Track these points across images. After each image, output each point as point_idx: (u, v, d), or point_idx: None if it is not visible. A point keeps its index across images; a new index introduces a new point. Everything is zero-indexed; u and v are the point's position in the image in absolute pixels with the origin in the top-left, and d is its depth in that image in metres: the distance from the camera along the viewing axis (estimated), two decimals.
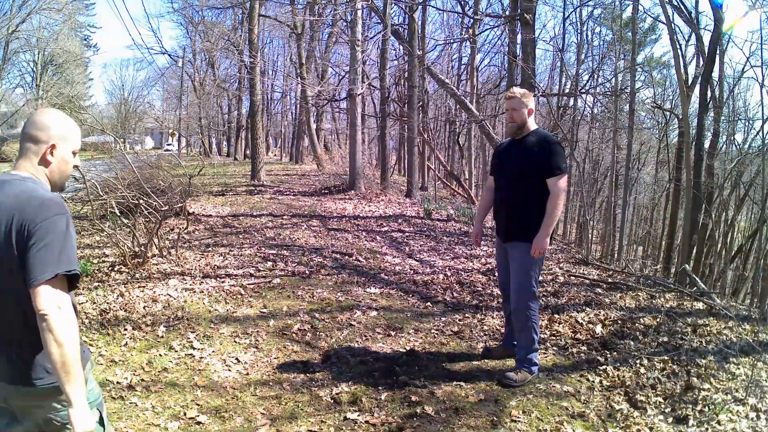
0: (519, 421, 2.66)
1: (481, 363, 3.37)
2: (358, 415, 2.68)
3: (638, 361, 3.29)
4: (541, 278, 5.58)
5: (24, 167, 1.47)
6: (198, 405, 2.77)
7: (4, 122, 28.89)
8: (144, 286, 4.62)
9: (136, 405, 2.75)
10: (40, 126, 1.48)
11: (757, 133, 12.90)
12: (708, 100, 10.35)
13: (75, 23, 31.86)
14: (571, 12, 15.03)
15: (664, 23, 11.79)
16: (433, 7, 16.61)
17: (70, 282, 1.38)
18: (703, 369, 3.18)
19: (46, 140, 1.47)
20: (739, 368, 3.20)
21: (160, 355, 3.36)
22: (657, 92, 17.87)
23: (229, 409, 2.73)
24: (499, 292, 5.00)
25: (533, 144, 3.04)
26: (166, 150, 30.34)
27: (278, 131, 37.27)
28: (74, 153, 1.55)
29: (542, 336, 3.83)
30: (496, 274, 5.64)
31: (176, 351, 3.42)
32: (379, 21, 13.96)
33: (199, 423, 2.61)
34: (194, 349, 3.46)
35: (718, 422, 2.60)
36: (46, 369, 1.41)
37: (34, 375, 1.42)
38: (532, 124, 3.12)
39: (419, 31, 13.32)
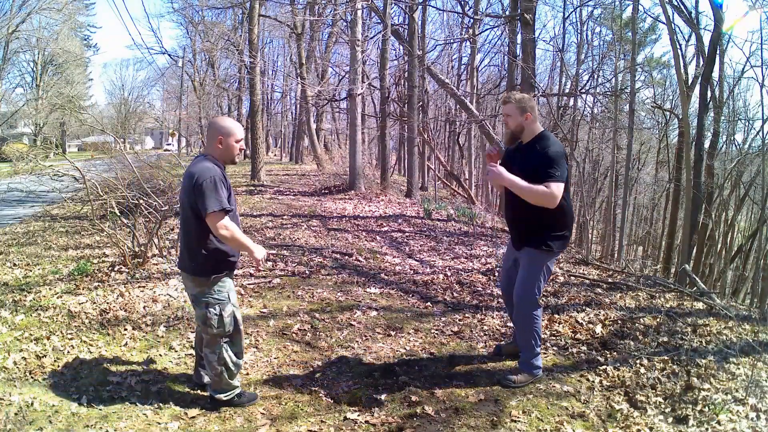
0: (519, 421, 2.66)
1: (481, 363, 3.37)
2: (358, 415, 2.68)
3: (638, 361, 3.29)
4: None
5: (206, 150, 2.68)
6: (198, 405, 2.77)
7: (4, 122, 28.86)
8: (144, 286, 4.62)
9: (136, 405, 2.75)
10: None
11: (757, 133, 12.94)
12: (708, 100, 10.36)
13: (75, 23, 31.89)
14: (571, 12, 15.06)
15: (664, 23, 11.81)
16: (433, 7, 16.64)
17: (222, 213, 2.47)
18: (703, 369, 3.18)
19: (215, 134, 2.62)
20: (739, 368, 3.20)
21: (160, 355, 3.36)
22: (657, 92, 17.90)
23: (229, 409, 2.73)
24: (499, 292, 5.01)
25: (535, 149, 2.90)
26: (166, 150, 30.36)
27: (278, 131, 37.28)
28: (237, 141, 2.63)
29: (542, 336, 3.83)
30: (496, 274, 5.66)
31: (176, 351, 3.42)
32: (379, 21, 13.96)
33: (199, 423, 2.61)
34: (194, 349, 3.45)
35: (718, 422, 2.60)
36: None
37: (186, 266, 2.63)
38: (535, 129, 2.97)
39: (419, 31, 13.32)
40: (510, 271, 3.19)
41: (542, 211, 2.85)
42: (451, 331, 3.94)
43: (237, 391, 2.76)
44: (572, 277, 5.63)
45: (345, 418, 2.66)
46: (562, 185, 2.80)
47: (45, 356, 3.25)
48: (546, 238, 2.92)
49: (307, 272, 5.40)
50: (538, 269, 2.96)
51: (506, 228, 10.13)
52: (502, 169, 2.86)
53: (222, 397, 2.72)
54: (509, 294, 3.19)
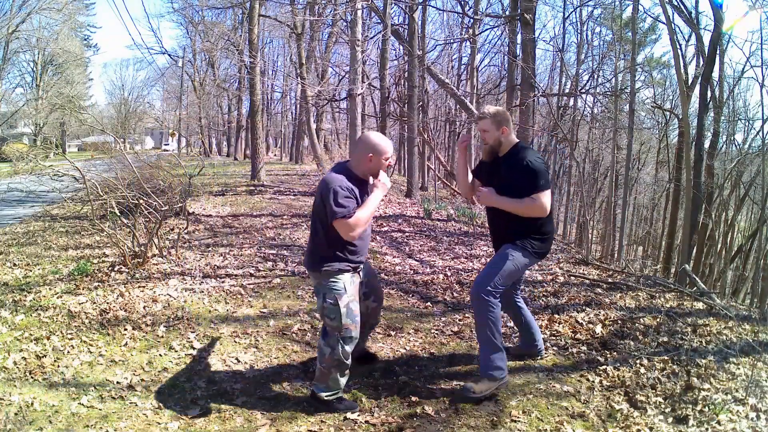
0: (519, 421, 2.66)
1: None
2: (358, 415, 2.68)
3: (638, 361, 3.29)
4: (540, 278, 5.61)
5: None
6: (198, 405, 2.77)
7: (4, 122, 28.86)
8: (144, 286, 4.62)
9: (136, 405, 2.75)
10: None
11: (757, 133, 12.94)
12: (708, 100, 10.36)
13: (75, 23, 31.89)
14: (571, 12, 15.08)
15: (664, 23, 11.81)
16: (433, 7, 16.65)
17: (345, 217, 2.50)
18: (703, 369, 3.18)
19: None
20: (739, 368, 3.20)
21: (160, 355, 3.36)
22: (657, 92, 17.90)
23: (229, 409, 2.73)
24: None
25: (515, 161, 2.85)
26: (164, 150, 30.35)
27: (278, 131, 37.29)
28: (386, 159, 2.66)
29: (542, 336, 3.83)
30: None
31: (176, 351, 3.42)
32: (379, 21, 13.97)
33: (199, 423, 2.61)
34: (194, 349, 3.46)
35: (718, 422, 2.60)
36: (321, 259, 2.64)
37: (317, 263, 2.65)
38: (511, 141, 2.95)
39: (419, 31, 13.33)
40: None
41: (518, 221, 2.86)
42: (451, 331, 3.95)
43: (340, 393, 2.74)
44: (572, 277, 5.63)
45: (345, 418, 2.66)
46: (549, 193, 2.82)
47: (45, 356, 3.25)
48: (525, 237, 2.89)
49: (307, 272, 5.39)
50: (508, 260, 2.84)
51: None
52: (491, 191, 2.88)
53: (323, 395, 2.69)
54: (507, 297, 3.15)
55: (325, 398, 2.69)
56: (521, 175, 2.79)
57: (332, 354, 2.61)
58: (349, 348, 2.63)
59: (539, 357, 3.40)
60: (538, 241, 2.92)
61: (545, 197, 2.79)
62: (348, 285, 2.63)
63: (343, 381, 2.70)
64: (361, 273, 2.78)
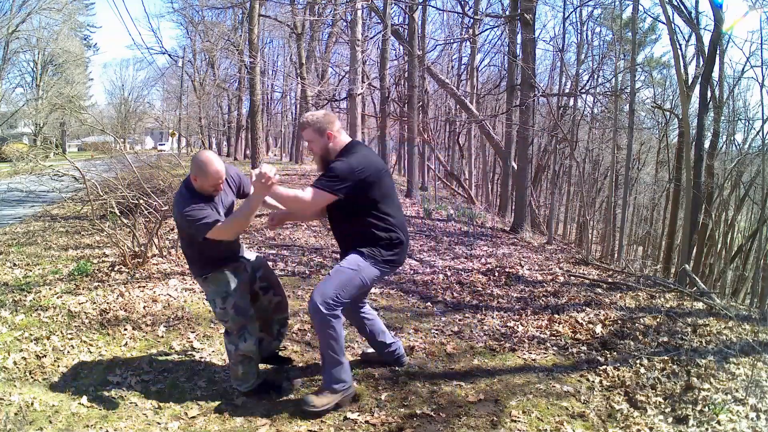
0: (519, 421, 2.66)
1: (481, 363, 3.37)
2: (358, 415, 2.68)
3: (638, 361, 3.29)
4: (541, 278, 5.62)
5: None
6: (198, 405, 2.77)
7: (4, 122, 28.87)
8: (144, 286, 4.62)
9: (136, 405, 2.75)
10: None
11: (757, 133, 12.96)
12: (708, 100, 10.36)
13: (75, 23, 31.88)
14: (571, 12, 15.07)
15: (664, 23, 11.82)
16: (433, 7, 16.66)
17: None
18: (703, 369, 3.18)
19: None
20: (739, 368, 3.20)
21: (160, 355, 3.36)
22: (657, 92, 17.90)
23: (229, 409, 2.73)
24: (498, 292, 5.02)
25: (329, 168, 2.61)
26: (160, 151, 30.28)
27: (278, 131, 37.32)
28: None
29: (542, 336, 3.83)
30: (496, 274, 5.66)
31: (176, 351, 3.42)
32: (379, 21, 13.97)
33: (199, 423, 2.61)
34: (194, 349, 3.46)
35: (718, 422, 2.60)
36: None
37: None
38: (340, 145, 2.68)
39: (419, 31, 13.33)
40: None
41: (354, 231, 2.67)
42: (451, 331, 3.94)
43: (255, 381, 2.84)
44: (572, 277, 5.63)
45: (345, 418, 2.66)
46: (324, 194, 2.50)
47: (45, 356, 3.25)
48: (373, 244, 2.67)
49: (307, 272, 5.40)
50: (353, 271, 2.61)
51: (506, 228, 10.15)
52: (266, 184, 2.48)
53: (242, 389, 2.82)
54: (356, 316, 3.01)
55: (245, 390, 2.82)
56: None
57: (236, 351, 2.74)
58: (249, 343, 2.74)
59: (401, 365, 3.20)
60: (385, 249, 2.68)
61: (315, 193, 2.50)
62: (231, 285, 2.71)
63: (254, 371, 2.82)
64: (248, 268, 2.86)
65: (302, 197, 2.52)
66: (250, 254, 2.96)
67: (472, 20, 15.19)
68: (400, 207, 2.86)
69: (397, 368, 3.21)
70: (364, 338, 3.25)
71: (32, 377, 3.00)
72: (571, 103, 15.42)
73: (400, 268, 5.85)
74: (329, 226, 3.14)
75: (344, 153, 2.66)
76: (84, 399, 2.77)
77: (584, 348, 3.60)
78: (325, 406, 2.65)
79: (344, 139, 2.73)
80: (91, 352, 3.34)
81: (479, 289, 5.14)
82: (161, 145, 38.81)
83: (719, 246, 12.93)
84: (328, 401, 2.66)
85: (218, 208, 2.62)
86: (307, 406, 2.63)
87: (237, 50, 19.69)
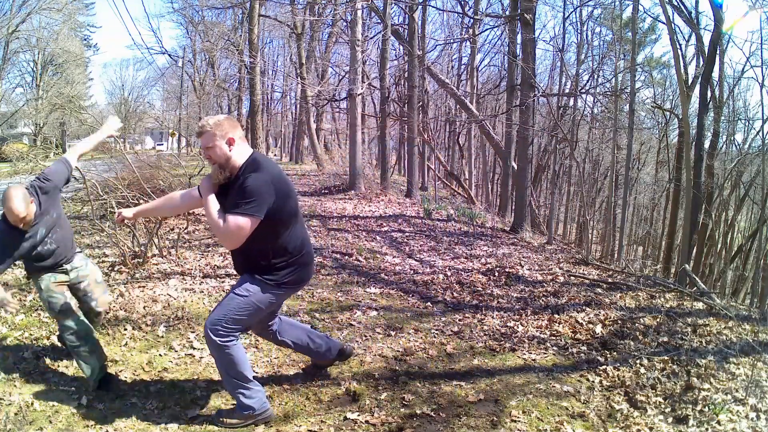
0: (519, 421, 2.66)
1: (481, 363, 3.37)
2: (358, 415, 2.68)
3: (638, 361, 3.29)
4: (541, 278, 5.62)
5: None
6: (198, 405, 2.77)
7: (4, 122, 28.86)
8: (144, 286, 4.62)
9: (136, 405, 2.75)
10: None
11: (757, 133, 12.96)
12: (708, 100, 10.36)
13: (75, 23, 31.84)
14: (571, 12, 15.06)
15: (664, 23, 11.81)
16: (433, 7, 16.64)
17: None
18: (703, 369, 3.18)
19: None
20: (739, 368, 3.20)
21: (160, 355, 3.36)
22: (657, 92, 17.90)
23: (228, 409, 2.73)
24: (498, 292, 5.02)
25: (239, 185, 2.37)
26: (159, 151, 30.28)
27: (278, 131, 37.29)
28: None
29: (542, 336, 3.83)
30: (496, 274, 5.66)
31: (176, 351, 3.42)
32: (379, 21, 13.97)
33: (199, 423, 2.61)
34: (194, 349, 3.46)
35: (718, 422, 2.60)
36: None
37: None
38: (240, 158, 2.43)
39: (419, 31, 13.32)
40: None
41: (253, 249, 2.43)
42: (451, 331, 3.94)
43: (99, 374, 2.88)
44: (572, 277, 5.64)
45: (345, 418, 2.66)
46: (246, 220, 2.29)
47: (45, 356, 3.25)
48: (265, 266, 2.48)
49: None
50: (242, 297, 2.45)
51: (506, 228, 10.15)
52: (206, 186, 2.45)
53: (91, 381, 2.88)
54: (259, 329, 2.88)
55: (94, 381, 2.86)
56: (235, 196, 2.35)
57: (66, 340, 2.89)
58: (69, 334, 2.85)
59: (344, 357, 3.07)
60: (282, 270, 2.49)
61: (241, 221, 2.29)
62: (45, 285, 2.86)
63: (93, 362, 2.85)
64: (69, 274, 2.99)
65: (224, 230, 2.32)
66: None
67: (472, 20, 15.19)
68: (303, 223, 2.68)
69: (396, 368, 3.22)
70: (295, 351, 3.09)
71: (32, 377, 3.00)
72: (571, 103, 15.43)
73: (400, 268, 5.89)
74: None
75: (249, 167, 2.41)
76: (84, 399, 2.77)
77: (584, 348, 3.60)
78: (234, 425, 2.55)
79: (245, 150, 2.47)
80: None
81: (479, 289, 5.14)
82: (159, 144, 38.78)
83: (719, 246, 12.94)
84: (238, 421, 2.55)
85: (28, 242, 2.70)
86: (215, 419, 2.57)
87: (237, 50, 19.67)
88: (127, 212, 2.77)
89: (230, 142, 2.41)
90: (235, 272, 5.17)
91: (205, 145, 2.42)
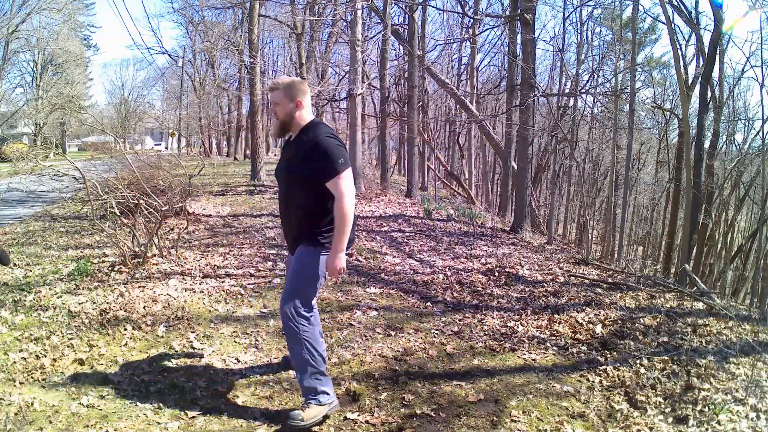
0: (519, 421, 2.66)
1: (481, 363, 3.37)
2: (358, 415, 2.68)
3: (638, 361, 3.29)
4: (541, 278, 5.62)
5: None
6: (198, 405, 2.77)
7: (4, 122, 28.86)
8: (144, 286, 4.62)
9: (136, 405, 2.75)
10: None
11: (757, 133, 12.97)
12: (708, 100, 10.36)
13: (75, 23, 31.85)
14: (571, 12, 15.07)
15: (664, 23, 11.82)
16: (433, 7, 16.66)
17: None
18: (703, 369, 3.18)
19: None
20: (739, 368, 3.20)
21: (160, 355, 3.35)
22: (657, 92, 17.92)
23: (229, 409, 2.73)
24: (498, 292, 5.02)
25: (305, 142, 2.54)
26: (158, 151, 30.28)
27: None
28: None
29: (542, 336, 3.83)
30: (496, 274, 5.66)
31: (176, 351, 3.42)
32: (379, 21, 13.97)
33: (199, 423, 2.61)
34: (194, 349, 3.46)
35: (718, 422, 2.60)
36: None
37: None
38: (304, 118, 2.60)
39: (419, 31, 13.33)
40: None
41: (311, 211, 2.56)
42: (451, 331, 3.94)
43: None
44: (572, 277, 5.64)
45: (345, 418, 2.66)
46: (344, 175, 2.45)
47: (45, 356, 3.24)
48: (324, 234, 2.59)
49: None
50: (310, 267, 2.57)
51: (506, 228, 10.15)
52: (329, 257, 2.58)
53: None
54: None
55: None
56: (315, 157, 2.47)
57: None
58: None
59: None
60: (332, 232, 2.58)
61: (344, 181, 2.46)
62: None
63: None
64: None
65: (344, 197, 2.45)
66: None
67: (472, 20, 15.20)
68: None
69: (396, 368, 3.22)
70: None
71: (32, 377, 3.00)
72: (571, 103, 15.43)
73: (400, 268, 5.89)
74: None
75: (312, 130, 2.56)
76: (84, 399, 2.77)
77: (584, 348, 3.60)
78: (311, 420, 2.48)
79: (308, 115, 2.63)
80: (91, 352, 3.34)
81: (479, 289, 5.14)
82: (157, 144, 38.80)
83: (719, 246, 12.95)
84: (313, 414, 2.50)
85: None
86: (293, 421, 2.44)
87: (237, 50, 19.67)
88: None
89: (298, 105, 2.57)
90: (235, 272, 5.19)
91: (273, 101, 2.60)
